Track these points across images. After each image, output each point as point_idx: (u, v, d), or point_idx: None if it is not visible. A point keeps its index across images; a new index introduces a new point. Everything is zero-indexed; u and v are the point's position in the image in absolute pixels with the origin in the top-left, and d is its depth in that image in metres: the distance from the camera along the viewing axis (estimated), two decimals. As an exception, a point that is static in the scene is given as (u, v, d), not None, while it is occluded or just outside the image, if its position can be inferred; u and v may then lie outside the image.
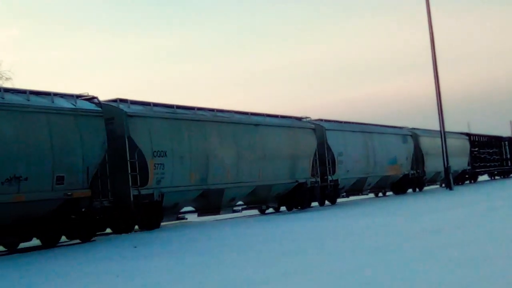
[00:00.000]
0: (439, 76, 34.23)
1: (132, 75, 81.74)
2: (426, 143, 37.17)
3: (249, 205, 24.04)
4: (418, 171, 35.99)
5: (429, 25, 34.03)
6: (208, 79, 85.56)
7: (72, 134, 15.76)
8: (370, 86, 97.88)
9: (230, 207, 22.17)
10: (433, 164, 37.19)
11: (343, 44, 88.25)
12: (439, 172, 38.84)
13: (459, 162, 42.76)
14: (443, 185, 38.53)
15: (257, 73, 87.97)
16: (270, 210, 25.67)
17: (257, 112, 23.67)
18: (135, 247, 13.30)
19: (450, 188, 33.79)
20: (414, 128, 37.20)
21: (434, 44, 34.00)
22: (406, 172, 34.47)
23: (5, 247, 15.89)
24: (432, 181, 39.65)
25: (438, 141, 38.85)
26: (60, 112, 15.62)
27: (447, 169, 34.46)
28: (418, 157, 36.03)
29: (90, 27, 79.23)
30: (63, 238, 16.23)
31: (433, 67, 34.08)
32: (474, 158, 45.82)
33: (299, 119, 26.60)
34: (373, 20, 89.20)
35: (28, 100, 15.00)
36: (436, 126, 35.55)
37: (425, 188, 38.13)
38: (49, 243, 15.61)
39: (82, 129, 16.00)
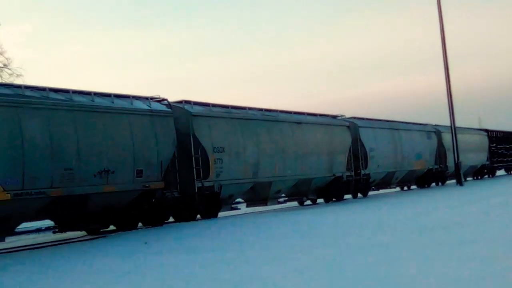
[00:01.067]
0: (449, 72, 34.26)
1: (145, 71, 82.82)
2: (448, 139, 38.86)
3: (290, 197, 25.95)
4: (441, 165, 37.79)
5: (440, 20, 33.79)
6: (218, 75, 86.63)
7: (148, 132, 17.75)
8: (381, 83, 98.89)
9: (275, 199, 24.13)
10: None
11: (355, 40, 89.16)
12: (461, 167, 40.67)
13: (478, 157, 44.59)
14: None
15: (269, 69, 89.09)
16: (307, 202, 27.59)
17: (298, 111, 25.58)
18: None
19: (461, 184, 33.90)
20: (437, 125, 38.94)
21: (444, 40, 34.00)
22: (430, 167, 36.30)
23: (88, 233, 17.87)
24: (453, 175, 41.34)
25: (461, 137, 40.66)
26: (139, 113, 17.62)
27: (457, 164, 34.62)
28: (441, 152, 37.83)
29: (102, 23, 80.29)
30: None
31: (444, 63, 34.21)
32: (492, 154, 47.53)
33: (334, 117, 28.49)
34: (382, 17, 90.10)
35: (113, 103, 16.99)
36: (448, 122, 36.20)
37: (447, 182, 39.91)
38: (128, 229, 17.58)
39: (156, 128, 17.99)
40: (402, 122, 34.69)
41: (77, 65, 77.76)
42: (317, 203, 27.73)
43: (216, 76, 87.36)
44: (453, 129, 34.76)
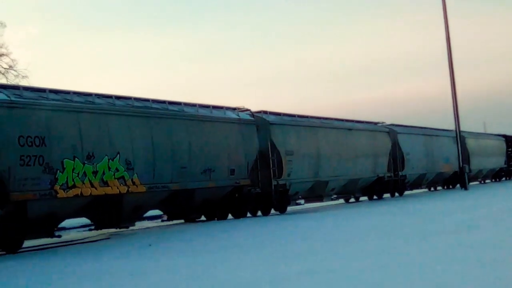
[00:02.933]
0: (455, 76, 34.07)
1: (151, 73, 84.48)
2: (471, 144, 42.22)
3: (339, 195, 29.27)
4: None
5: (445, 26, 33.62)
6: (223, 79, 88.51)
7: (238, 138, 21.09)
8: (386, 87, 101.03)
9: (329, 196, 27.45)
10: (477, 163, 42.27)
11: (359, 45, 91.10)
12: (481, 170, 44.13)
13: (497, 161, 47.97)
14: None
15: (272, 72, 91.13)
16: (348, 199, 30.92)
17: (348, 119, 28.90)
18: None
19: (465, 188, 33.90)
20: (462, 131, 42.18)
21: (450, 45, 33.82)
22: (456, 170, 39.50)
23: (185, 221, 21.16)
24: (475, 178, 44.68)
25: (482, 142, 44.14)
26: (231, 121, 20.98)
27: (462, 168, 34.56)
28: (465, 156, 41.05)
29: (108, 26, 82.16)
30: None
31: (449, 68, 33.98)
32: (509, 157, 50.85)
33: (376, 123, 31.81)
34: (388, 21, 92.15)
35: (211, 113, 20.34)
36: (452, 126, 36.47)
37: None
38: (220, 219, 20.90)
39: (243, 134, 21.34)
40: (433, 129, 37.95)
41: (82, 66, 79.68)
42: (360, 201, 31.07)
43: (221, 78, 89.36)
44: (458, 134, 34.87)
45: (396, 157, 31.91)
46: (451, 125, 36.42)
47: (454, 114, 34.49)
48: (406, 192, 35.11)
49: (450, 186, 40.27)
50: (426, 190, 39.86)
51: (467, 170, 34.35)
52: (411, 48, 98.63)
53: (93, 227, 18.22)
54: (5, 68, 34.73)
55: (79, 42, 76.65)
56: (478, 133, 42.34)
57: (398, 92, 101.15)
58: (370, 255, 8.76)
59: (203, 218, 21.22)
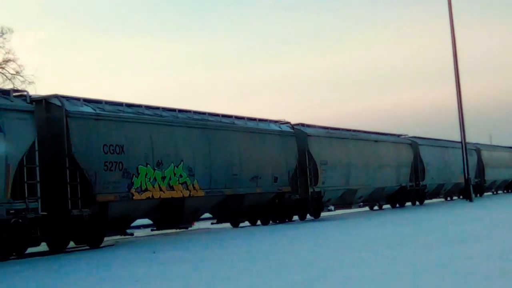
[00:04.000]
0: (461, 87, 33.65)
1: (158, 78, 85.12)
2: (486, 156, 44.04)
3: (365, 203, 31.10)
4: (480, 179, 42.85)
5: (452, 36, 33.39)
6: (226, 85, 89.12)
7: (280, 148, 22.97)
8: (391, 96, 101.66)
9: (357, 203, 29.30)
10: (491, 174, 44.13)
11: (364, 53, 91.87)
12: (495, 181, 45.99)
13: (509, 173, 49.81)
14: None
15: (274, 80, 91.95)
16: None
17: (374, 131, 30.79)
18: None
19: (470, 200, 33.68)
20: (477, 143, 44.04)
21: (456, 56, 33.39)
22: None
23: (232, 225, 22.97)
24: (489, 188, 46.48)
25: (496, 154, 45.98)
26: (274, 133, 22.88)
27: (467, 180, 34.32)
28: (480, 167, 42.91)
29: (116, 31, 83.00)
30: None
31: (455, 79, 33.62)
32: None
33: (398, 135, 33.68)
34: (396, 30, 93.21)
35: (258, 125, 22.25)
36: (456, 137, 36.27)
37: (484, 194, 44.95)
38: (264, 223, 22.74)
39: (285, 145, 23.23)
40: (450, 141, 39.74)
41: (90, 71, 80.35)
42: (383, 208, 32.88)
43: (221, 85, 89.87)
44: (464, 145, 34.27)
45: (417, 168, 33.73)
46: (457, 136, 35.48)
47: (460, 125, 34.16)
48: (426, 201, 36.91)
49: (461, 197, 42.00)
50: (443, 199, 41.62)
51: (472, 182, 34.76)
52: (417, 57, 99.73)
53: (154, 228, 20.06)
54: (12, 74, 34.63)
55: (86, 46, 77.51)
56: (492, 145, 44.29)
57: (403, 101, 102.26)
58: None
59: (246, 223, 23.07)
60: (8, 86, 32.49)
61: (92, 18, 78.72)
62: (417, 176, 33.71)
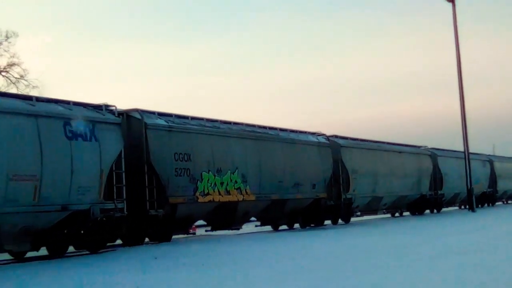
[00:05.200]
0: (464, 97, 33.81)
1: (162, 85, 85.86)
2: (498, 167, 46.15)
3: (387, 210, 33.20)
4: (492, 189, 44.97)
5: (456, 46, 33.80)
6: (231, 92, 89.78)
7: (317, 158, 25.12)
8: (393, 105, 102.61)
9: (382, 210, 31.41)
10: (503, 185, 46.26)
11: (369, 62, 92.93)
12: (506, 191, 48.11)
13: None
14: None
15: (282, 87, 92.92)
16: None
17: (398, 143, 32.93)
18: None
19: (473, 210, 34.14)
20: (490, 155, 46.15)
21: (460, 66, 33.80)
22: (485, 190, 43.44)
23: (273, 228, 25.08)
24: (500, 198, 48.56)
25: (508, 165, 48.05)
26: (313, 144, 25.05)
27: (469, 190, 34.82)
28: (492, 178, 45.01)
29: (121, 37, 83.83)
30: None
31: (459, 89, 33.90)
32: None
33: (418, 147, 35.81)
34: (399, 39, 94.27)
35: (298, 137, 24.42)
36: (458, 147, 37.30)
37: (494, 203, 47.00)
38: (303, 226, 24.85)
39: (321, 155, 25.38)
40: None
41: (95, 76, 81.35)
42: (403, 215, 34.96)
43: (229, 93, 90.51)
44: (467, 154, 34.59)
45: (436, 177, 35.84)
46: (459, 146, 36.46)
47: (463, 135, 34.44)
48: (444, 209, 39.01)
49: (480, 205, 44.05)
50: (457, 208, 43.70)
51: (474, 192, 35.31)
52: (421, 67, 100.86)
53: (209, 228, 22.17)
54: (16, 78, 34.91)
55: (92, 51, 78.99)
56: (504, 157, 46.41)
57: (404, 110, 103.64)
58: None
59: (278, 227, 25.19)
60: (12, 90, 33.37)
61: (98, 23, 79.57)
62: (435, 185, 35.80)
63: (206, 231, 22.39)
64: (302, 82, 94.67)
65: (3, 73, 34.78)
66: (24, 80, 34.63)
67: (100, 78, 79.99)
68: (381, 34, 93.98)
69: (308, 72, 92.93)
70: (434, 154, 36.02)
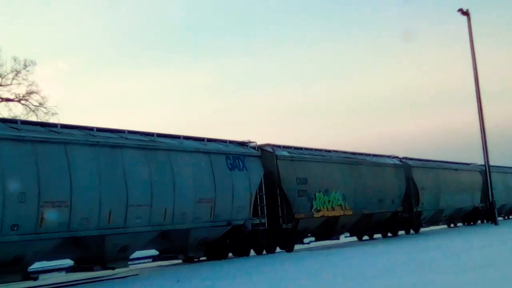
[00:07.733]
0: (483, 110, 33.59)
1: (182, 109, 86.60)
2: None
3: (446, 221, 37.38)
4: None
5: (472, 58, 33.58)
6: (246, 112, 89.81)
7: (394, 177, 29.46)
8: (413, 120, 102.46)
9: (443, 221, 35.63)
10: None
11: (388, 78, 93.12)
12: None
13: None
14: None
15: (293, 105, 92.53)
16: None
17: (454, 161, 37.20)
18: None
19: (495, 223, 34.19)
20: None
21: (478, 79, 33.69)
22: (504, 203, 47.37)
23: (358, 238, 29.31)
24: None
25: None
26: (390, 166, 29.39)
27: (491, 203, 35.01)
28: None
29: (138, 62, 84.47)
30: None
31: (477, 102, 33.75)
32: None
33: (468, 164, 40.05)
34: (416, 52, 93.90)
35: (379, 160, 28.79)
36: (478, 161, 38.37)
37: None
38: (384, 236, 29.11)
39: (397, 174, 29.72)
40: (508, 167, 45.90)
41: (112, 103, 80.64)
42: (457, 226, 39.08)
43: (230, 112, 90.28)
44: (487, 168, 35.00)
45: (486, 191, 39.93)
46: (478, 159, 36.80)
47: (483, 148, 34.15)
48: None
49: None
50: (502, 218, 47.61)
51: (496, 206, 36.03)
52: (438, 81, 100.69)
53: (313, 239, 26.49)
54: (35, 106, 34.72)
55: (108, 78, 79.02)
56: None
57: (424, 125, 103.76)
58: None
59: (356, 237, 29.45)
60: (31, 117, 33.54)
61: (114, 49, 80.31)
62: (486, 198, 39.88)
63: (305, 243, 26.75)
64: (312, 101, 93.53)
65: (23, 101, 34.72)
66: (43, 107, 34.58)
67: (116, 104, 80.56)
68: (397, 52, 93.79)
69: (320, 91, 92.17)
70: (483, 170, 40.11)
